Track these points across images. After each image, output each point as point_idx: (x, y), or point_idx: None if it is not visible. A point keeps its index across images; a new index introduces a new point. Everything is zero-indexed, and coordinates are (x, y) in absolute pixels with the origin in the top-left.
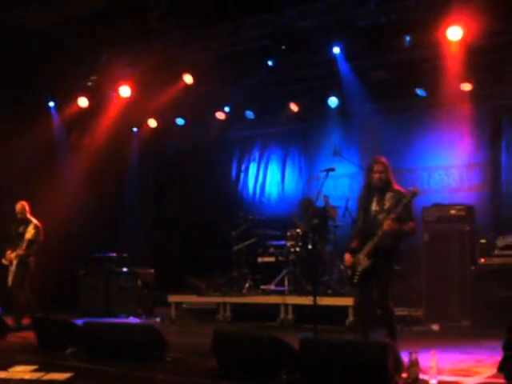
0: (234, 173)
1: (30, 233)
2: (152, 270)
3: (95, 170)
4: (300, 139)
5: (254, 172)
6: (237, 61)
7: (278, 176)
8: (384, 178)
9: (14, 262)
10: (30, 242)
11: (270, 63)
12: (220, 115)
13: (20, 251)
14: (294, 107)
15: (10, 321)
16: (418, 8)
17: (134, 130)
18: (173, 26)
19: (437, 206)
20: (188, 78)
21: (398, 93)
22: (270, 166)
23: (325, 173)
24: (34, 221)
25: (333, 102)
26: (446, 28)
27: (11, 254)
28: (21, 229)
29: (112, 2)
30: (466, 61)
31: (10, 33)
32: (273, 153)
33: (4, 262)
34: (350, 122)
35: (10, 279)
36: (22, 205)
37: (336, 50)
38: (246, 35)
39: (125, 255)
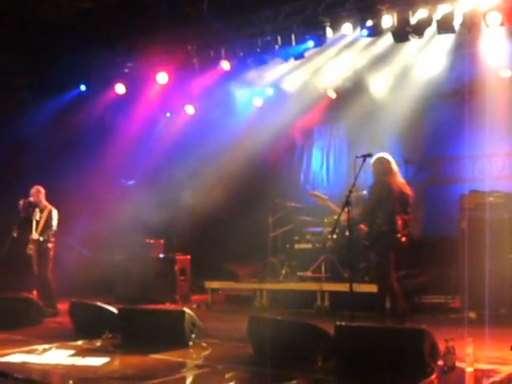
0: (274, 159)
1: (43, 218)
2: (189, 256)
3: (131, 155)
4: (342, 127)
5: (298, 158)
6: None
7: (321, 162)
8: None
9: (33, 248)
10: (45, 227)
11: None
12: (258, 102)
13: (34, 236)
14: (331, 94)
15: None
16: None
17: (168, 115)
18: (209, 12)
19: (474, 193)
20: (225, 65)
21: None
22: (314, 153)
23: (362, 159)
24: (49, 206)
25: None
26: (485, 14)
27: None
28: (35, 214)
29: None
30: (506, 47)
31: (46, 21)
32: (317, 139)
33: (29, 251)
34: (392, 110)
35: (34, 267)
36: (37, 189)
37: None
38: (285, 21)
39: (161, 241)
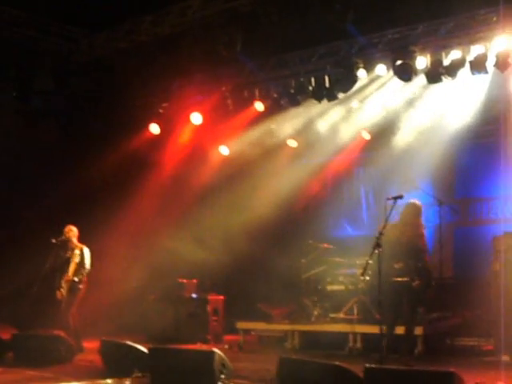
0: (307, 200)
1: (76, 258)
2: (222, 297)
3: (166, 195)
4: (376, 167)
5: (333, 198)
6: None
7: (359, 203)
8: None
9: (65, 288)
10: (78, 267)
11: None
12: (292, 143)
13: (68, 277)
14: (365, 135)
15: None
16: None
17: (205, 156)
18: (242, 53)
19: (508, 234)
20: (259, 106)
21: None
22: (349, 193)
23: (393, 201)
24: (80, 245)
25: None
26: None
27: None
28: (67, 254)
29: (181, 31)
30: None
31: (82, 61)
32: (351, 180)
33: (59, 296)
34: (424, 151)
35: (62, 305)
36: (69, 228)
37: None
38: (319, 62)
39: (194, 281)
